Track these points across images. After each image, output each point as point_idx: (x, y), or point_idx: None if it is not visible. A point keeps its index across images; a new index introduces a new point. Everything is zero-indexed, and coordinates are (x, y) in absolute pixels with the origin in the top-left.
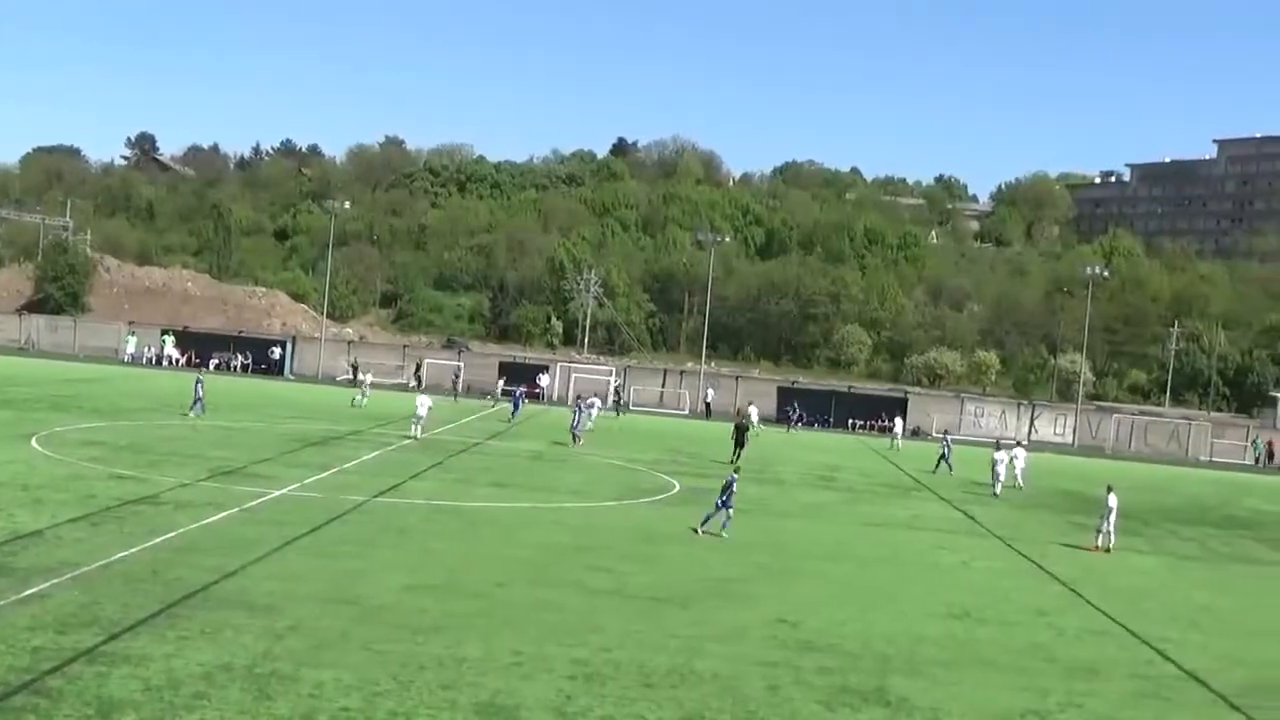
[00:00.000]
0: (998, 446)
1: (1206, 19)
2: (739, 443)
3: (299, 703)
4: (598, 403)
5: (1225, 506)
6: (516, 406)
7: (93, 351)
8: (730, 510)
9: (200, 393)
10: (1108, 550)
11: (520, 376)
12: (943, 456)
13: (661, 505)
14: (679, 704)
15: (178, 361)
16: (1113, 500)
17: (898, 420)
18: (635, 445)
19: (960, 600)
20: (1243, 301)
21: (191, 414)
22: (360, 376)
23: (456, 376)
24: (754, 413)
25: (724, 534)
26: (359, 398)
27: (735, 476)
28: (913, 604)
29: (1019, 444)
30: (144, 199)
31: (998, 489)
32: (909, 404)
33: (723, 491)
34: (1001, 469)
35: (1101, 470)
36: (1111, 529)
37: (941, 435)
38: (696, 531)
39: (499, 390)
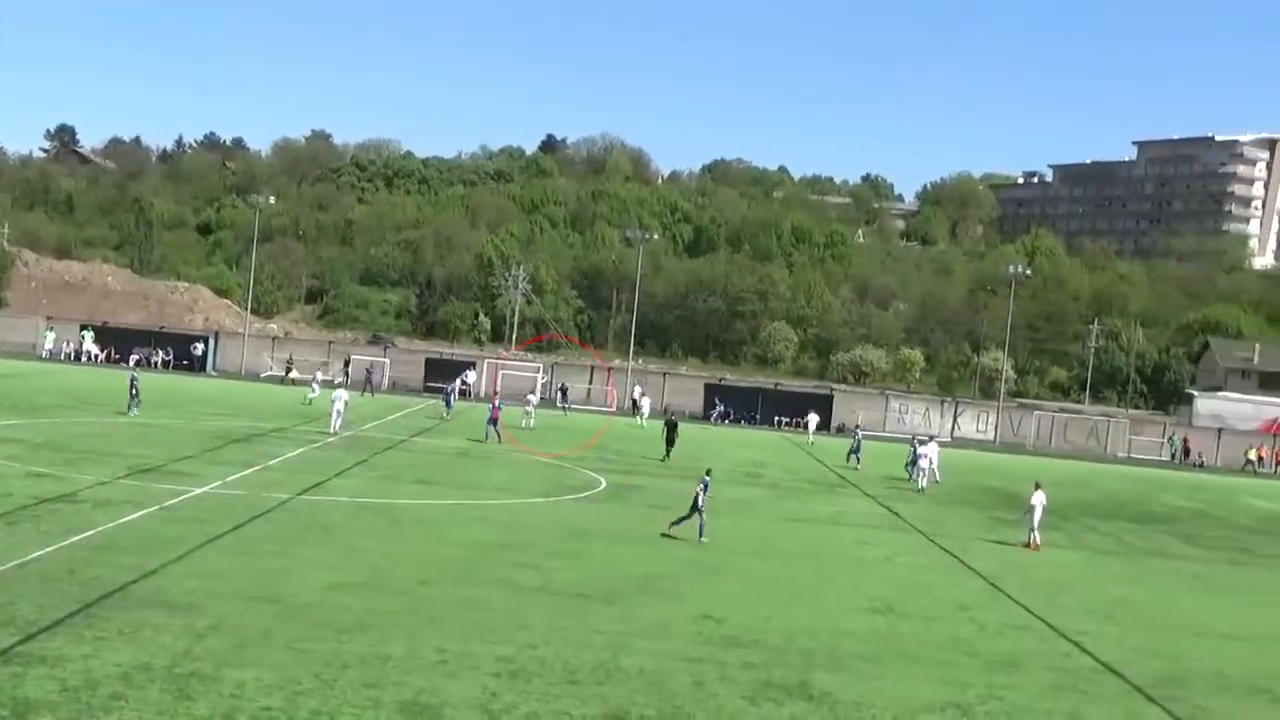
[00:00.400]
0: (918, 441)
1: (1126, 22)
2: (669, 440)
3: (219, 703)
4: (534, 399)
5: (1142, 502)
6: (449, 403)
7: (10, 347)
8: (702, 515)
9: (136, 391)
10: (1026, 545)
11: (447, 373)
12: (853, 450)
13: (588, 502)
14: (604, 700)
15: (97, 358)
16: (1036, 498)
17: (812, 415)
18: (562, 442)
19: (883, 595)
20: (1160, 301)
21: (131, 412)
22: (296, 373)
23: (369, 371)
24: (646, 405)
25: (703, 539)
26: (310, 394)
27: (708, 479)
28: (837, 599)
29: (932, 438)
30: (63, 192)
31: (923, 483)
32: (834, 401)
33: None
34: (925, 463)
35: (1022, 466)
36: (1034, 526)
37: (854, 430)
38: (692, 538)
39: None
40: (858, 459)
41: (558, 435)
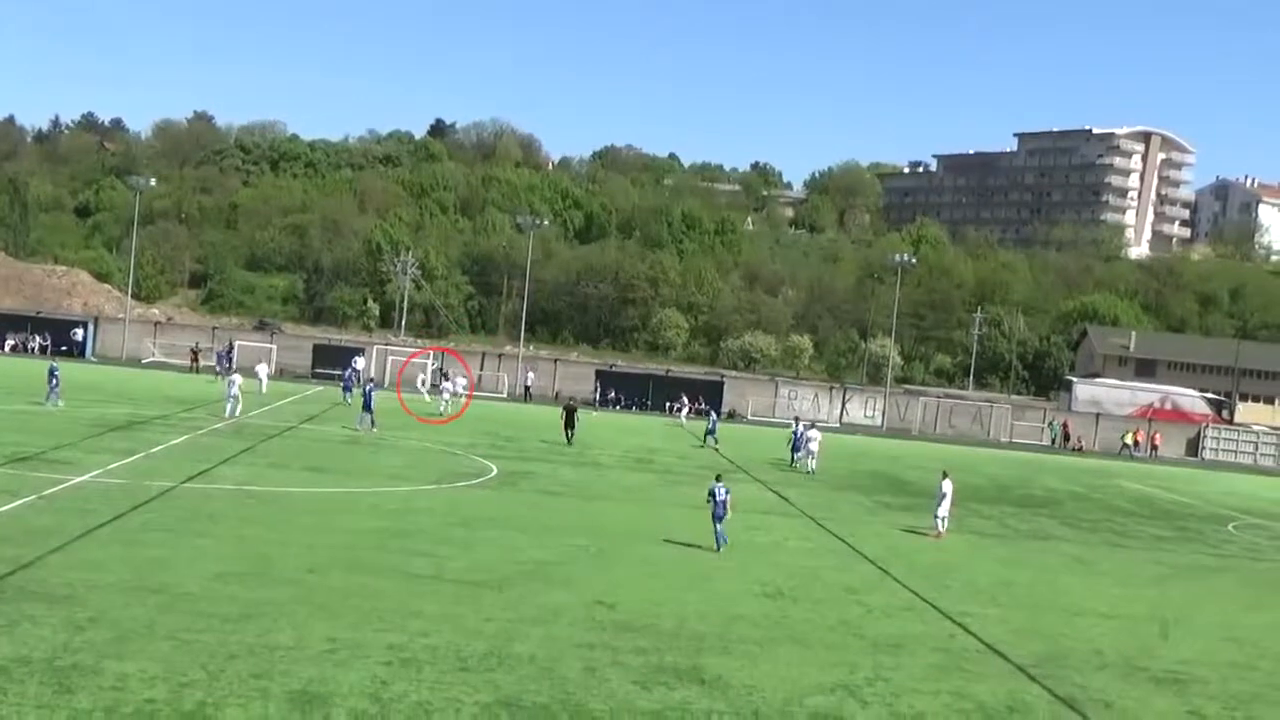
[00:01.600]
0: (809, 425)
1: (1008, 15)
2: (569, 424)
3: (101, 695)
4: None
5: (1024, 486)
6: (348, 389)
7: None
8: (720, 525)
9: (55, 380)
10: (938, 535)
11: (335, 360)
12: (709, 431)
13: (479, 488)
14: (496, 687)
15: None
16: (946, 486)
17: (684, 398)
18: (454, 429)
19: (773, 579)
20: (1041, 289)
21: (48, 403)
22: (204, 361)
23: (222, 354)
24: (459, 384)
25: (718, 550)
26: (260, 385)
27: (720, 486)
28: (728, 584)
29: (798, 419)
30: None
31: (812, 465)
32: (725, 387)
33: (715, 505)
34: (815, 446)
35: (909, 451)
36: (945, 515)
37: (708, 412)
38: (717, 550)
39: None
40: (714, 440)
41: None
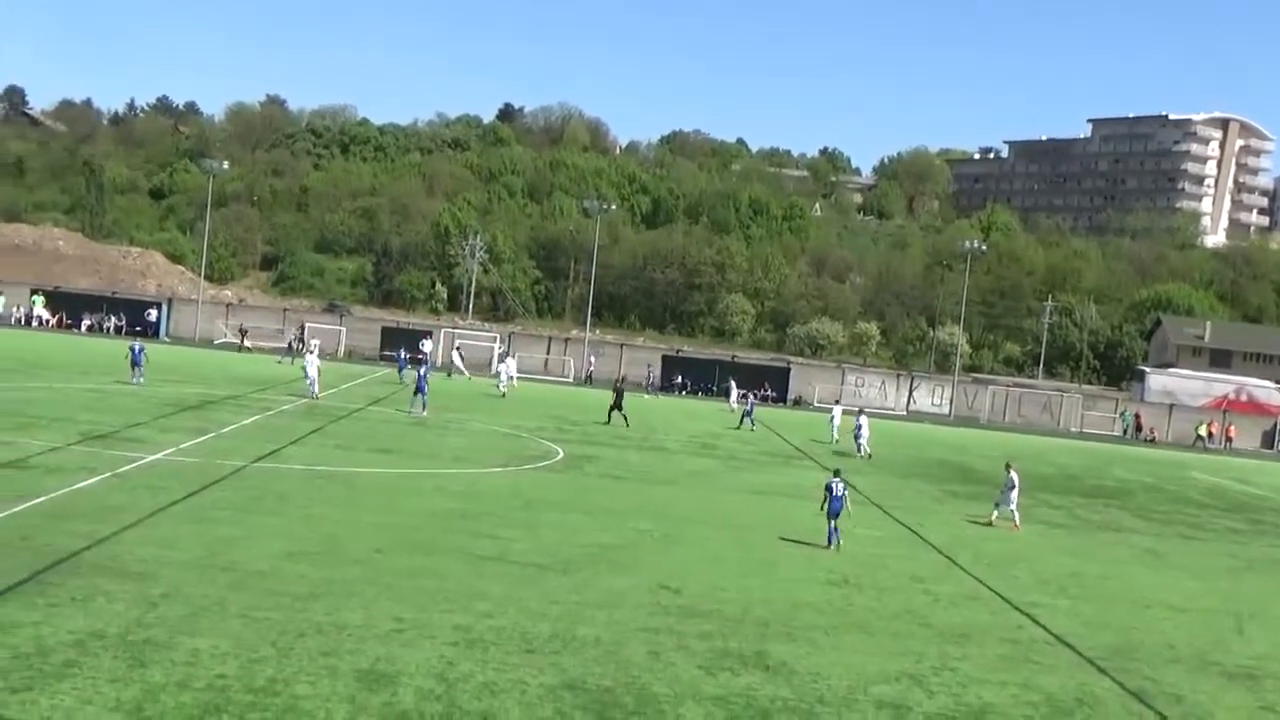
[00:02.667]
0: (859, 411)
1: (1082, 1)
2: (617, 404)
3: (173, 670)
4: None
5: (1094, 476)
6: (403, 368)
7: None
8: (835, 522)
9: (141, 359)
10: (990, 523)
11: (404, 342)
12: (746, 414)
13: (545, 471)
14: (561, 669)
15: (48, 323)
16: (1014, 477)
17: (732, 383)
18: (519, 412)
19: (839, 567)
20: (1114, 277)
21: (137, 381)
22: (250, 342)
23: (293, 340)
24: (508, 367)
25: (830, 548)
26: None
27: (838, 481)
28: (792, 570)
29: (836, 402)
30: (13, 154)
31: (868, 450)
32: (791, 374)
33: (832, 500)
34: (865, 431)
35: (977, 440)
36: (1013, 506)
37: (743, 394)
38: (836, 549)
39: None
40: (751, 422)
41: (502, 405)
